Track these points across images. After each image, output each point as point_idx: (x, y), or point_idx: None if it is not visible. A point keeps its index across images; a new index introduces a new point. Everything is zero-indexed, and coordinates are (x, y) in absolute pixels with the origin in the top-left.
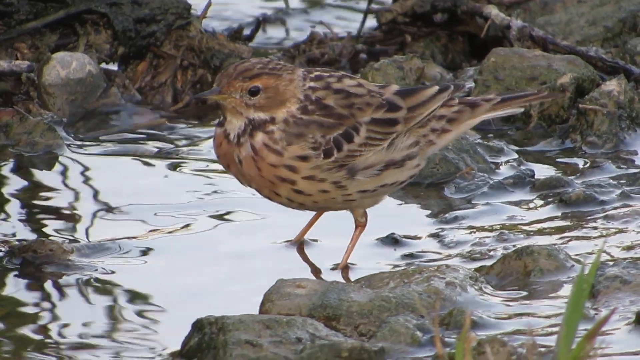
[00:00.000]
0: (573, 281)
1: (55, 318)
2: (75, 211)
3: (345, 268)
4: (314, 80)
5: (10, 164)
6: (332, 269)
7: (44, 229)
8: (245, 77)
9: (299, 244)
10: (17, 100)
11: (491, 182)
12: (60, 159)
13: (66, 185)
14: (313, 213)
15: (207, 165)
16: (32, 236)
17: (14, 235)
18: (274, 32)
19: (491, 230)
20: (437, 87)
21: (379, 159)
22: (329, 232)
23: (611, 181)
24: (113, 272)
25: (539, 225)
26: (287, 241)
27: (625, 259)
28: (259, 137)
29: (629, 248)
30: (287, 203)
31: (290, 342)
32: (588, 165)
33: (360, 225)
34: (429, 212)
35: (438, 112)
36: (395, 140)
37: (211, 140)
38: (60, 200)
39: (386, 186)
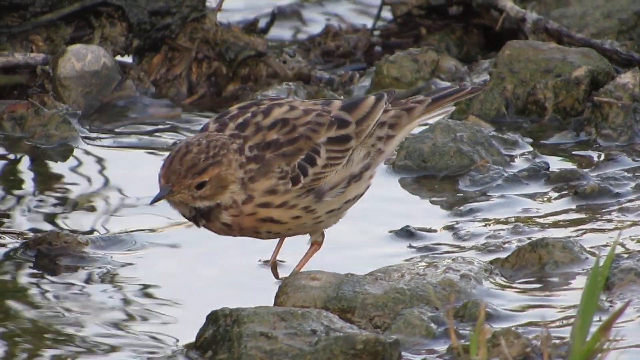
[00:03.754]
0: (588, 273)
1: (70, 310)
2: (90, 203)
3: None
4: (246, 138)
5: (25, 157)
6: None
7: (58, 221)
8: (193, 173)
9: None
10: (32, 92)
11: (506, 174)
12: (75, 151)
13: (81, 178)
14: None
15: None
16: (47, 228)
17: (28, 227)
18: (289, 25)
19: (506, 223)
20: (373, 97)
21: (341, 176)
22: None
23: (626, 174)
24: (128, 265)
25: (553, 218)
26: (265, 261)
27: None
28: (223, 216)
29: None
30: (265, 236)
31: (305, 334)
32: (603, 157)
33: (317, 244)
34: (443, 204)
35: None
36: (351, 155)
37: None
38: (75, 192)
39: (349, 202)
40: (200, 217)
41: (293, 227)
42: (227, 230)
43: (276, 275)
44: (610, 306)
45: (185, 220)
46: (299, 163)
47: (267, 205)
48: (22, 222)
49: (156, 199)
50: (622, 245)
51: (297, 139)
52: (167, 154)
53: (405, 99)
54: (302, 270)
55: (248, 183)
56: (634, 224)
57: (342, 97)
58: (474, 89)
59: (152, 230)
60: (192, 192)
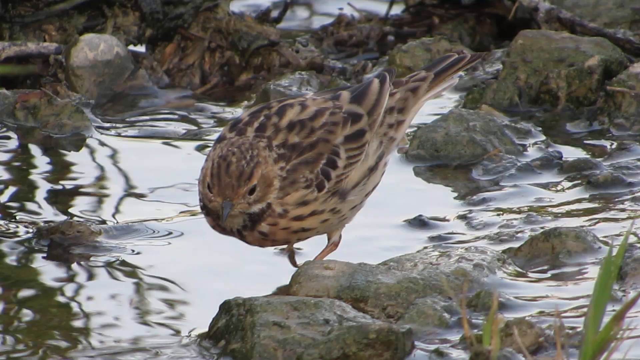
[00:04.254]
0: (601, 263)
1: (82, 299)
2: (103, 193)
3: None
4: (269, 138)
5: (38, 146)
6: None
7: (71, 211)
8: (244, 180)
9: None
10: (45, 82)
11: (519, 164)
12: (88, 140)
13: (94, 167)
14: None
15: None
16: (60, 218)
17: (41, 217)
18: (302, 14)
19: (519, 212)
20: (377, 81)
21: (360, 172)
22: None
23: (639, 163)
24: (141, 254)
25: (566, 207)
26: (282, 249)
27: None
28: (263, 225)
29: None
30: (295, 242)
31: (318, 323)
32: (616, 147)
33: (334, 245)
34: (456, 194)
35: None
36: (367, 149)
37: None
38: (87, 181)
39: (369, 194)
40: (250, 223)
41: (321, 230)
42: (262, 240)
43: (294, 264)
44: (623, 296)
45: (197, 209)
46: (322, 169)
47: (299, 218)
48: (35, 211)
49: (224, 218)
50: (635, 234)
51: (317, 143)
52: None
53: (406, 78)
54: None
55: (282, 189)
56: None
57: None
58: (474, 57)
59: (164, 220)
60: (247, 198)
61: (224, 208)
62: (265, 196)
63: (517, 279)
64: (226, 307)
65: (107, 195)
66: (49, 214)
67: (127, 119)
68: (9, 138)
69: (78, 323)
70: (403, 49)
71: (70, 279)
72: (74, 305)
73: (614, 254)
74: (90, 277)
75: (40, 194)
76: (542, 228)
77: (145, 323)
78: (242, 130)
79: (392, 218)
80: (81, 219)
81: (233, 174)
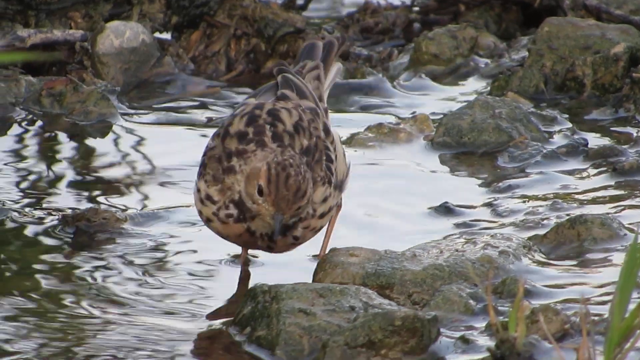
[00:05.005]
0: (626, 250)
1: (108, 286)
2: (128, 179)
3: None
4: (292, 147)
5: (63, 133)
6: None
7: (97, 198)
8: (300, 197)
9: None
10: (71, 69)
11: (544, 151)
12: (114, 127)
13: (119, 154)
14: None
15: None
16: (86, 205)
17: (67, 204)
18: (328, 1)
19: (544, 199)
20: (291, 75)
21: (342, 162)
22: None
23: None
24: (166, 241)
25: (592, 194)
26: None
27: None
28: (297, 230)
29: None
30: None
31: (344, 310)
32: None
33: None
34: (482, 181)
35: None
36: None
37: None
38: (113, 168)
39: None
40: (284, 230)
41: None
42: (292, 244)
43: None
44: None
45: None
46: (326, 165)
47: (322, 216)
48: (60, 198)
49: (278, 233)
50: None
51: (317, 143)
52: (205, 130)
53: (297, 68)
54: (332, 234)
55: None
56: None
57: (380, 74)
58: (342, 40)
59: (189, 206)
60: (295, 212)
61: (276, 220)
62: (303, 211)
63: (543, 266)
64: (252, 294)
65: (132, 182)
66: (74, 201)
67: (153, 106)
68: (34, 125)
69: (103, 310)
70: (429, 36)
71: (96, 266)
72: (99, 292)
73: None
74: (116, 264)
75: (66, 181)
76: (567, 215)
77: (171, 310)
78: (261, 142)
79: (417, 205)
80: (107, 206)
81: (291, 188)
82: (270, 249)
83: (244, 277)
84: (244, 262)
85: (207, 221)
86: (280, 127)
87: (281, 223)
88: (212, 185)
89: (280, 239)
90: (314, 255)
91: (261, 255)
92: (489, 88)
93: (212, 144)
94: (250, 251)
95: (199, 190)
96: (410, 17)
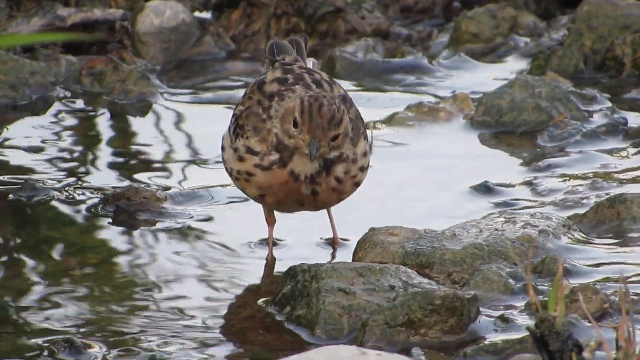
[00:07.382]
0: None
1: (148, 265)
2: (168, 159)
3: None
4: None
5: (104, 112)
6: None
7: (137, 177)
8: (334, 124)
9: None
10: (111, 48)
11: (584, 130)
12: (154, 106)
13: (159, 133)
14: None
15: None
16: (126, 183)
17: (107, 182)
18: None
19: (584, 179)
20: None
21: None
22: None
23: None
24: (205, 220)
25: (632, 174)
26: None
27: None
28: (338, 169)
29: None
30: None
31: (383, 289)
32: None
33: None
34: (521, 160)
35: None
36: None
37: None
38: (153, 148)
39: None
40: (323, 170)
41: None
42: (335, 190)
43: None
44: None
45: None
46: (361, 120)
47: (362, 169)
48: (101, 177)
49: (314, 156)
50: None
51: (345, 97)
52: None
53: (279, 60)
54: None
55: (351, 140)
56: None
57: (419, 53)
58: (306, 39)
59: (229, 186)
60: (330, 143)
61: (312, 146)
62: (342, 145)
63: (583, 245)
64: (291, 274)
65: (172, 161)
66: (114, 180)
67: (193, 85)
68: (75, 104)
69: (144, 288)
70: (469, 15)
71: (136, 244)
72: (139, 270)
73: None
74: (156, 242)
75: (106, 160)
76: (607, 194)
77: (211, 287)
78: (305, 84)
79: (457, 184)
80: (147, 185)
81: (325, 116)
82: (314, 195)
83: (270, 259)
84: (271, 243)
85: (248, 176)
86: (317, 75)
87: (319, 150)
88: (253, 137)
89: (324, 178)
90: (326, 239)
91: (287, 238)
92: (528, 67)
93: (242, 108)
94: (275, 234)
95: (235, 150)
96: None
